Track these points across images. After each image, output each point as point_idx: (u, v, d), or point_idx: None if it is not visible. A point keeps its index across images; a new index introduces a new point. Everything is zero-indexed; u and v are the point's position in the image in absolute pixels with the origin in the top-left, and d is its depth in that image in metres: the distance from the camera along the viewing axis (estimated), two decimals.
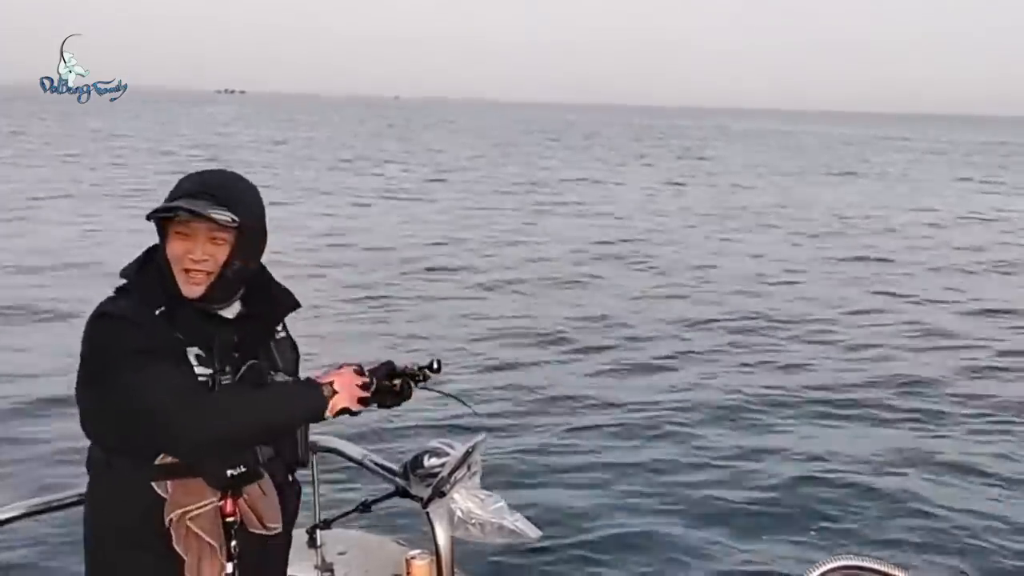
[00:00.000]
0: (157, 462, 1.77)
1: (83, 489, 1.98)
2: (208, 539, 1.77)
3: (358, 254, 15.94)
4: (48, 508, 2.31)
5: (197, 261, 1.79)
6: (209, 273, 1.80)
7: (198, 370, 1.77)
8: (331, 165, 36.16)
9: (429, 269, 14.79)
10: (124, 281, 1.86)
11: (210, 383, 1.78)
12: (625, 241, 18.35)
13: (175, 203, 1.77)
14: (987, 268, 16.58)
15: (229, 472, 1.79)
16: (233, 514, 1.80)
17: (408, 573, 2.38)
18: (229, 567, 1.80)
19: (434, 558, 2.29)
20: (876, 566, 1.92)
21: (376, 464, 2.46)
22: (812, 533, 5.42)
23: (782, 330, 11.32)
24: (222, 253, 1.81)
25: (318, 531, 2.63)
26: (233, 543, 1.81)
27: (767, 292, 13.79)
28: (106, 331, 1.77)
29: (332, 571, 2.62)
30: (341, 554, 2.70)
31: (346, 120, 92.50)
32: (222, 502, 1.79)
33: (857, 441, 7.32)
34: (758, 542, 5.26)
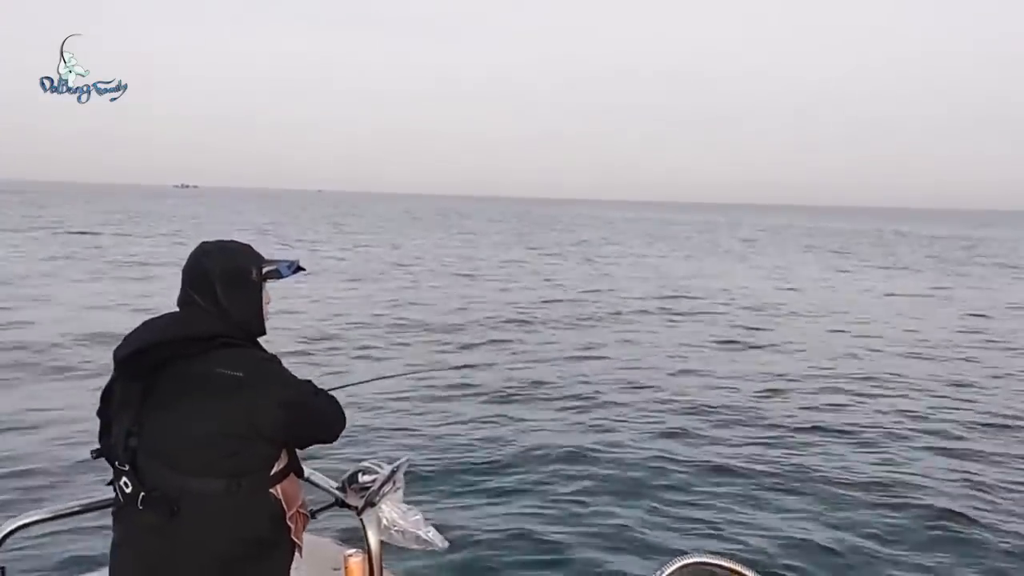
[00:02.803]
0: (273, 471, 2.14)
1: (95, 498, 2.34)
2: (306, 512, 2.29)
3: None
4: (71, 513, 2.59)
5: (268, 305, 2.31)
6: None
7: None
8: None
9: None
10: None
11: None
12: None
13: (295, 261, 2.30)
14: None
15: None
16: None
17: (346, 568, 2.71)
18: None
19: (366, 556, 2.67)
20: (723, 563, 2.38)
21: (319, 479, 2.81)
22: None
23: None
24: None
25: None
26: None
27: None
28: (285, 369, 2.17)
29: None
30: None
31: (291, 210, 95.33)
32: None
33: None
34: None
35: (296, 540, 2.21)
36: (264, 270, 2.24)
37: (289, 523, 2.17)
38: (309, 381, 2.24)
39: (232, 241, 2.30)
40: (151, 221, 53.77)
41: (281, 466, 2.17)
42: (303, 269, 2.37)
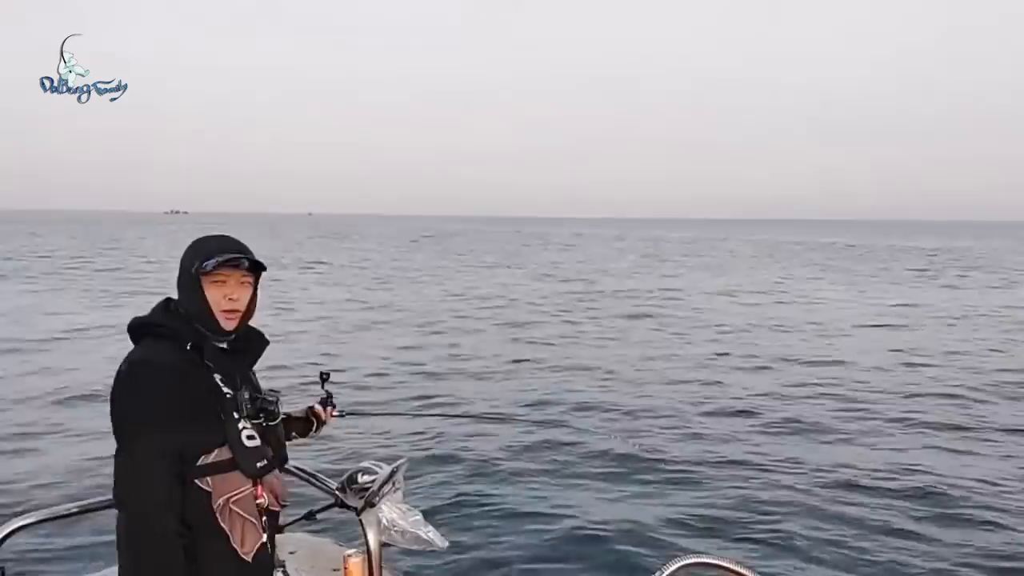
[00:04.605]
0: (199, 463, 2.11)
1: (93, 500, 2.34)
2: (250, 518, 2.17)
3: None
4: (69, 514, 2.60)
5: (234, 301, 2.21)
6: (239, 311, 2.23)
7: (225, 390, 2.18)
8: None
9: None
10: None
11: (238, 400, 2.19)
12: None
13: (237, 255, 2.19)
14: None
15: (259, 465, 2.19)
16: (261, 496, 2.21)
17: (345, 569, 2.75)
18: (264, 537, 2.21)
19: (366, 556, 2.68)
20: (723, 563, 2.40)
21: (319, 480, 2.85)
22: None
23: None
24: (247, 295, 2.25)
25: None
26: (264, 518, 2.22)
27: None
28: (136, 383, 2.06)
29: (284, 567, 2.88)
30: (292, 553, 3.08)
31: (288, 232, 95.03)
32: (254, 488, 2.19)
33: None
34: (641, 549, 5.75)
35: (224, 528, 2.13)
36: (196, 265, 2.19)
37: (219, 516, 2.12)
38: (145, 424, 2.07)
39: (207, 236, 2.30)
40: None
41: (209, 460, 2.13)
42: (253, 263, 2.24)
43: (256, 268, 2.26)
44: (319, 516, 2.86)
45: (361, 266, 39.45)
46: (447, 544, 2.76)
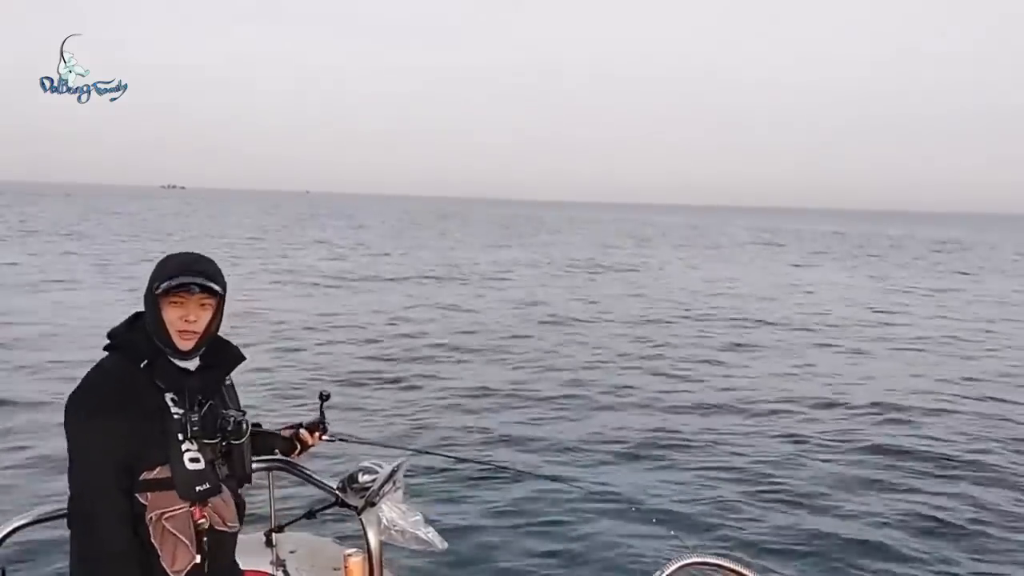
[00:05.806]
0: (140, 478, 2.12)
1: None
2: (181, 537, 2.15)
3: None
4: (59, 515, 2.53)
5: (191, 323, 2.20)
6: (197, 332, 2.21)
7: (173, 410, 2.17)
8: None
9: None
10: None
11: (183, 421, 2.17)
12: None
13: (187, 279, 2.16)
14: None
15: (198, 488, 2.16)
16: (203, 518, 2.18)
17: (345, 568, 2.77)
18: (198, 558, 2.16)
19: (366, 556, 2.70)
20: (723, 563, 2.40)
21: (320, 479, 2.85)
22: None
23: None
24: (207, 317, 2.23)
25: (273, 534, 3.04)
26: (204, 539, 2.18)
27: None
28: (77, 397, 2.10)
29: (284, 567, 2.99)
30: (292, 552, 3.08)
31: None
32: (192, 508, 2.16)
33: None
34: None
35: (155, 544, 2.13)
36: (154, 284, 2.20)
37: (151, 532, 2.13)
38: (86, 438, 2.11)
39: (173, 255, 2.29)
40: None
41: (151, 476, 2.13)
42: (206, 288, 2.21)
43: (213, 292, 2.22)
44: (319, 515, 2.87)
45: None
46: (446, 545, 2.75)
